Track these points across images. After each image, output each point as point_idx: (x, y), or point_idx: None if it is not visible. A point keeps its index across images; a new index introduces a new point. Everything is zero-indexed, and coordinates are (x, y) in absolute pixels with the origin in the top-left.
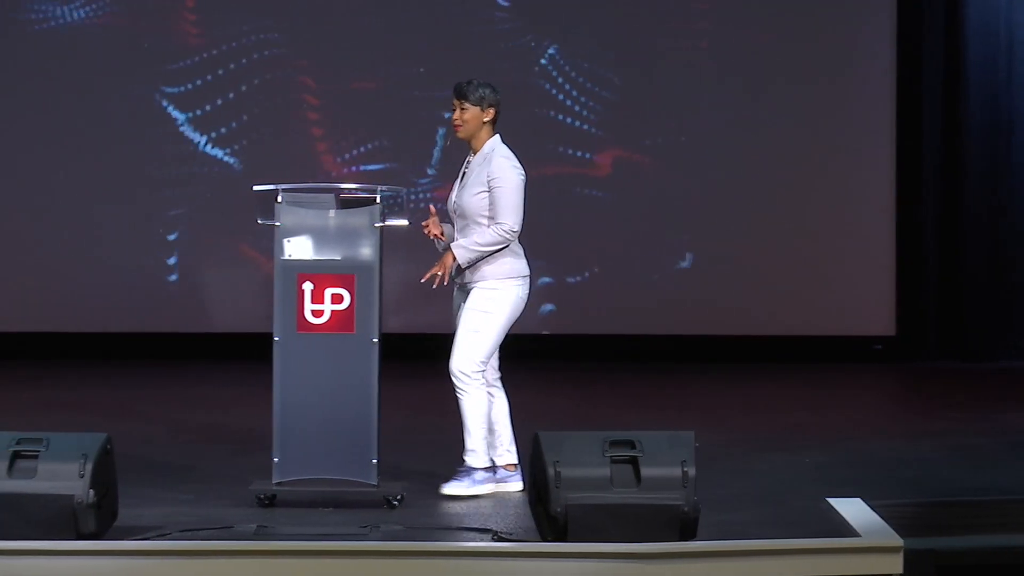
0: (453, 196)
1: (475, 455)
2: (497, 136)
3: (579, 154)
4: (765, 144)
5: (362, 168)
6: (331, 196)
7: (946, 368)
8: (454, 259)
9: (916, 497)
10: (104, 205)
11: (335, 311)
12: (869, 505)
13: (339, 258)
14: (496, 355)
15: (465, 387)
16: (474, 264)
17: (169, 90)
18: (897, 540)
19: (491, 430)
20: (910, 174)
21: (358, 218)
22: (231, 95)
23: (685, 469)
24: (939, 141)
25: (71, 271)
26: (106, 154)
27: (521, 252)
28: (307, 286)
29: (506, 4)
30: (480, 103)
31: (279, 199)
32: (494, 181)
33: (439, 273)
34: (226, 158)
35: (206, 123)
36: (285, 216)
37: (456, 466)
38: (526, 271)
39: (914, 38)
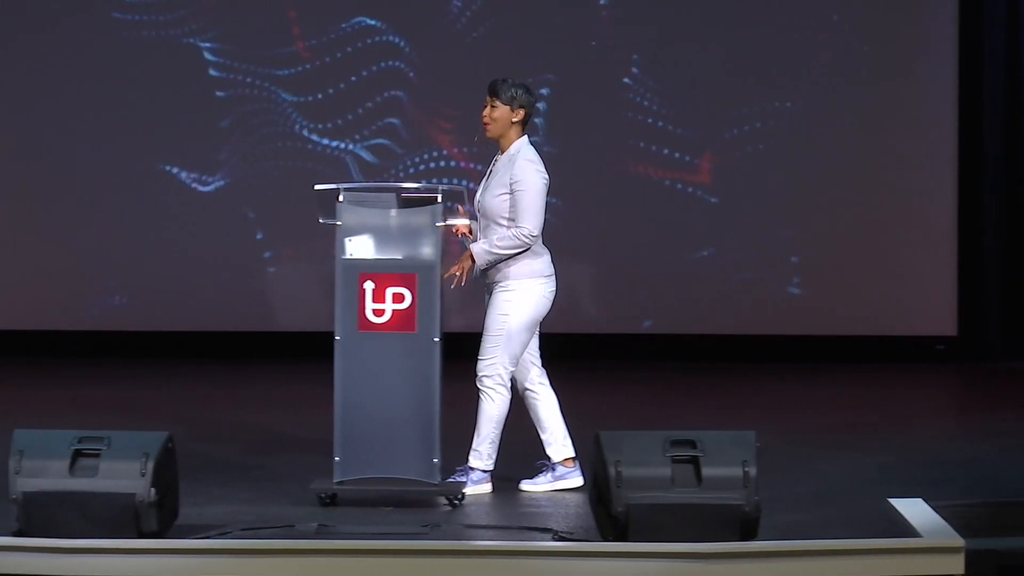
0: (478, 195)
1: (477, 455)
2: (525, 137)
3: (657, 150)
4: (826, 143)
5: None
6: (392, 195)
7: (1008, 368)
8: (473, 260)
9: (978, 497)
10: (169, 204)
11: (396, 310)
12: (930, 505)
13: (400, 257)
14: (537, 353)
15: (487, 391)
16: (492, 265)
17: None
18: (958, 540)
19: (543, 428)
20: (972, 172)
21: (419, 217)
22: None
23: (746, 469)
24: (1001, 139)
25: (135, 270)
26: (167, 151)
27: (543, 252)
28: (368, 285)
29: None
30: (511, 103)
31: (341, 198)
32: (516, 184)
33: (457, 273)
34: (292, 158)
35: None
36: (346, 215)
37: (537, 463)
38: (549, 270)
39: (976, 38)
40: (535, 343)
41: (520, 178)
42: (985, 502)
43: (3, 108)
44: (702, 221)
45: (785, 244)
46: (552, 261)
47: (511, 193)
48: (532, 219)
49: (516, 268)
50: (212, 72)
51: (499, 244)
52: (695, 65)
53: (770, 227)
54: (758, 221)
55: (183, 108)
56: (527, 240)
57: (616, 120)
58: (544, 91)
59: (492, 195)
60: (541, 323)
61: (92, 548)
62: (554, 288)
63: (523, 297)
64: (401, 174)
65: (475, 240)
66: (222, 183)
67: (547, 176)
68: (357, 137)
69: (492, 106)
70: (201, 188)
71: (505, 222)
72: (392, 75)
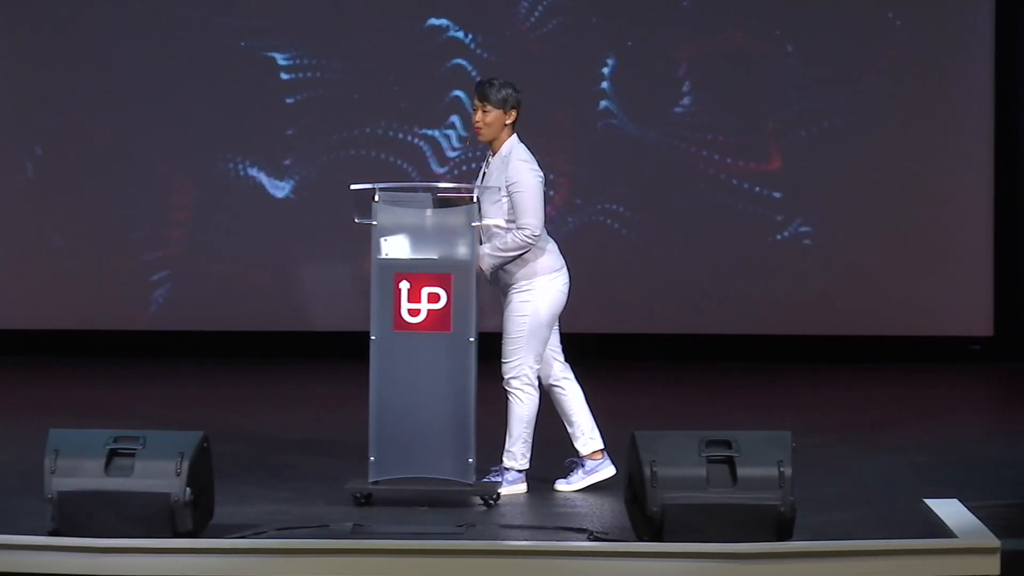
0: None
1: (511, 456)
2: (515, 136)
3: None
4: (861, 142)
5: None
6: (428, 195)
7: None
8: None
9: (1013, 498)
10: (204, 203)
11: (432, 310)
12: (966, 506)
13: (436, 257)
14: (559, 348)
15: (516, 392)
16: (499, 268)
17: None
18: (994, 541)
19: (570, 422)
20: (1008, 172)
21: (455, 217)
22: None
23: (782, 469)
24: None
25: (172, 269)
26: (205, 150)
27: (550, 246)
28: (404, 285)
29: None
30: (503, 105)
31: (376, 198)
32: (513, 186)
33: None
34: (324, 157)
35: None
36: (382, 215)
37: (567, 461)
38: (559, 263)
39: (1013, 36)
40: (555, 338)
41: (516, 179)
42: (1021, 502)
43: (50, 103)
44: (742, 222)
45: (820, 244)
46: (561, 252)
47: (508, 195)
48: (533, 218)
49: (527, 268)
50: (282, 75)
51: (502, 247)
52: (744, 64)
53: (806, 227)
54: (796, 221)
55: (244, 103)
56: (530, 240)
57: (675, 114)
58: (604, 85)
59: (490, 201)
60: (561, 318)
61: (127, 548)
62: (567, 280)
63: (539, 296)
64: (455, 172)
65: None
66: (289, 184)
67: (541, 173)
68: (418, 136)
69: (484, 110)
70: (273, 191)
71: (505, 224)
72: (457, 73)
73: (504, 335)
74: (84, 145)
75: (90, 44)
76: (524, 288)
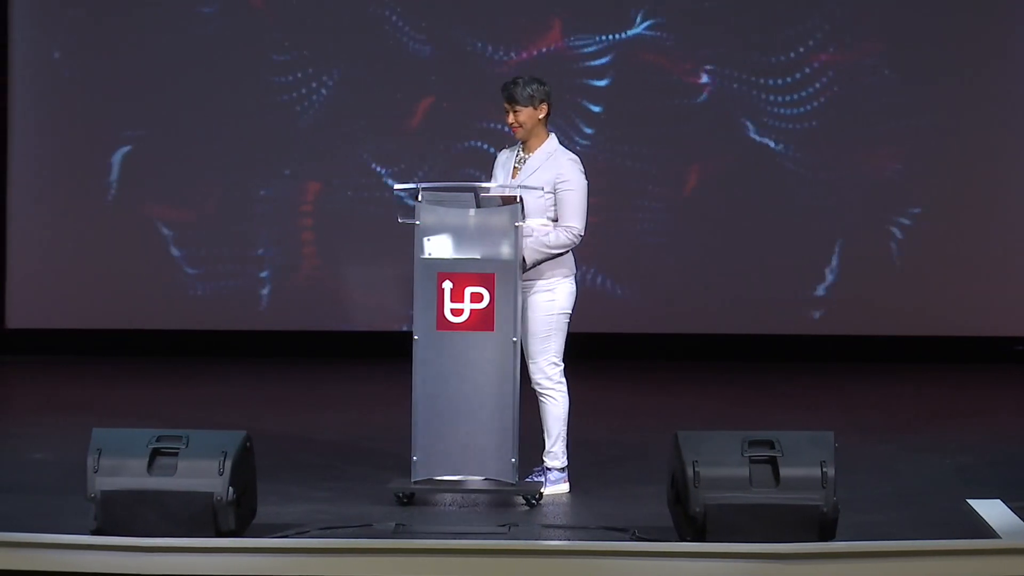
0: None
1: (553, 456)
2: (554, 135)
3: (710, 153)
4: (907, 142)
5: None
6: (471, 195)
7: None
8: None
9: None
10: (245, 202)
11: (474, 310)
12: (1009, 507)
13: (479, 257)
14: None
15: (548, 392)
16: (537, 264)
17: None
18: None
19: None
20: None
21: (498, 217)
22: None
23: (824, 469)
24: None
25: (210, 268)
26: (242, 151)
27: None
28: (447, 285)
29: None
30: (531, 102)
31: (419, 198)
32: (564, 184)
33: None
34: (361, 157)
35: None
36: (425, 215)
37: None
38: (575, 267)
39: None
40: None
41: (568, 178)
42: None
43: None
44: (787, 223)
45: (864, 244)
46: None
47: (555, 192)
48: (580, 220)
49: (551, 267)
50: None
51: (549, 242)
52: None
53: (849, 227)
54: (843, 223)
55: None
56: (575, 240)
57: (733, 107)
58: (705, 79)
59: (533, 196)
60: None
61: (170, 547)
62: (577, 284)
63: (560, 295)
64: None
65: None
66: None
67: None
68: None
69: (514, 111)
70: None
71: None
72: None
73: (529, 335)
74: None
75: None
76: (547, 287)
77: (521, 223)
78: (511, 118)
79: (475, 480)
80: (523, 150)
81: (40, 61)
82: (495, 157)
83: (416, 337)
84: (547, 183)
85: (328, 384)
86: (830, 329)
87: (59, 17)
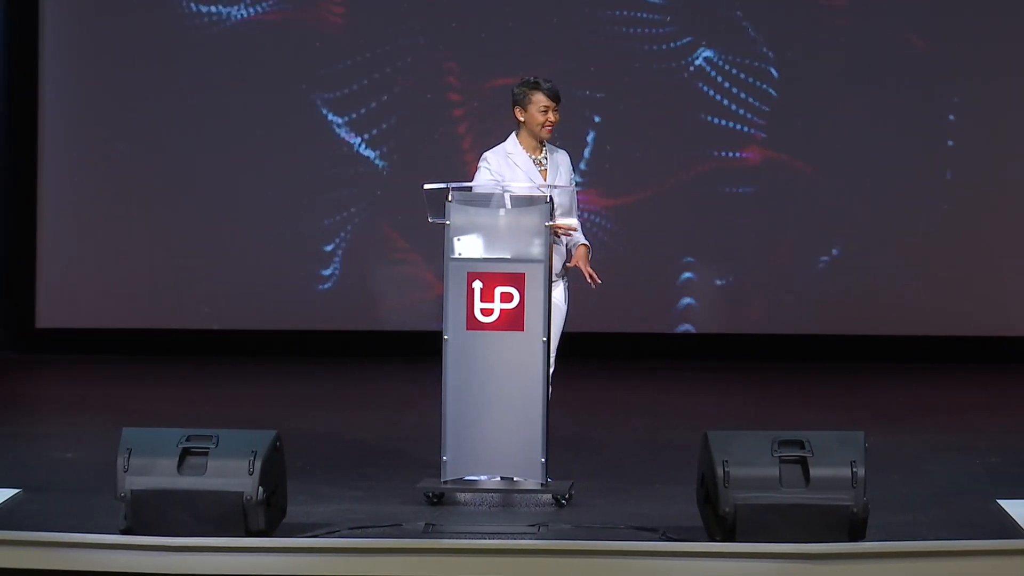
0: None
1: None
2: None
3: (732, 154)
4: (928, 141)
5: None
6: (501, 195)
7: None
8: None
9: None
10: (269, 206)
11: (504, 310)
12: None
13: (509, 256)
14: None
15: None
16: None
17: (327, 95)
18: None
19: None
20: None
21: (528, 216)
22: (384, 97)
23: (855, 469)
24: None
25: (236, 270)
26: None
27: None
28: (477, 284)
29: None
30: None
31: (450, 198)
32: (574, 178)
33: (593, 274)
34: (378, 160)
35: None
36: (456, 215)
37: None
38: None
39: None
40: None
41: (570, 169)
42: None
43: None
44: (816, 222)
45: (889, 243)
46: None
47: (569, 186)
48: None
49: (563, 260)
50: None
51: (584, 238)
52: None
53: (872, 226)
54: (871, 222)
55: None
56: None
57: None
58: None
59: (565, 192)
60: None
61: (200, 546)
62: None
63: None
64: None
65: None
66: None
67: None
68: None
69: (555, 111)
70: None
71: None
72: None
73: (555, 329)
74: (155, 145)
75: (179, 40)
76: (566, 280)
77: (551, 222)
78: (552, 116)
79: (505, 480)
80: (527, 150)
81: (70, 66)
82: (484, 159)
83: (446, 337)
84: (566, 179)
85: (358, 384)
86: (856, 329)
87: (89, 23)
